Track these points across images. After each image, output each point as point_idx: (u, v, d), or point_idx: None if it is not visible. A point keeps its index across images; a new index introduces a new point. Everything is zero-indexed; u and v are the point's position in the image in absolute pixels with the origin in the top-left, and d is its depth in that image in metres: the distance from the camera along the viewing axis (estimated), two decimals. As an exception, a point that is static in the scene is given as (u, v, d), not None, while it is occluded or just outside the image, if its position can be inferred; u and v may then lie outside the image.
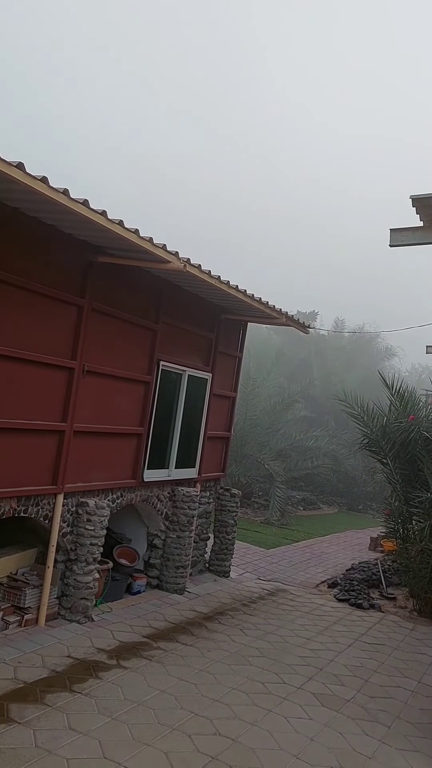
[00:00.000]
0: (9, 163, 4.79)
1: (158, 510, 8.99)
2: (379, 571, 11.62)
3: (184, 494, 9.16)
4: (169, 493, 9.15)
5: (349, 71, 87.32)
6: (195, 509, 9.29)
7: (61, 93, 74.48)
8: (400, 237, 6.33)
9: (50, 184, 5.18)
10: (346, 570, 12.23)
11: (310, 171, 78.57)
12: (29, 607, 6.82)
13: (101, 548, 7.48)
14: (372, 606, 9.99)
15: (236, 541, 11.02)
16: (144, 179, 69.36)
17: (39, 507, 6.86)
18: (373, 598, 10.40)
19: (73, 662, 6.11)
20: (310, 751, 5.21)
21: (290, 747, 5.21)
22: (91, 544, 7.28)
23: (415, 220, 6.37)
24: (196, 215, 65.43)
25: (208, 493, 10.39)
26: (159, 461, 8.80)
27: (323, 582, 11.31)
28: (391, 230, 6.40)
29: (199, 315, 9.44)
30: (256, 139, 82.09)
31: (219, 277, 7.84)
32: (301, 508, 20.43)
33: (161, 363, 8.56)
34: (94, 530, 7.30)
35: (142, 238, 6.28)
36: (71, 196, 5.40)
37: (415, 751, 5.55)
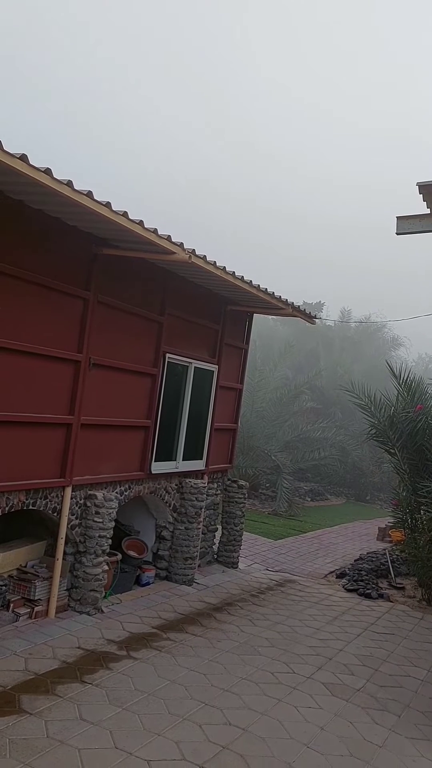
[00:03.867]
0: (12, 155, 4.77)
1: (166, 502, 9.01)
2: (387, 561, 11.61)
3: (191, 486, 9.17)
4: (176, 484, 9.16)
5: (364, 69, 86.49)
6: (203, 501, 9.30)
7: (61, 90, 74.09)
8: (406, 225, 6.29)
9: (54, 176, 5.16)
10: (355, 560, 12.23)
11: (311, 163, 78.21)
12: (39, 599, 6.86)
13: (110, 540, 7.50)
14: (380, 596, 9.99)
15: (244, 533, 11.03)
16: (146, 177, 69.15)
17: (47, 500, 6.88)
18: (381, 588, 10.40)
19: (83, 653, 6.14)
20: (320, 740, 5.23)
21: (301, 736, 5.23)
22: (99, 537, 7.30)
23: (420, 210, 6.34)
24: (199, 213, 65.25)
25: (215, 485, 10.41)
26: (166, 453, 8.81)
27: (331, 572, 11.32)
28: (398, 218, 6.36)
29: (205, 307, 9.41)
30: (254, 135, 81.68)
31: (224, 267, 7.81)
32: (309, 499, 20.43)
33: (167, 355, 8.54)
34: (102, 522, 7.32)
35: (146, 229, 6.25)
36: (75, 187, 5.38)
37: (425, 739, 5.56)
